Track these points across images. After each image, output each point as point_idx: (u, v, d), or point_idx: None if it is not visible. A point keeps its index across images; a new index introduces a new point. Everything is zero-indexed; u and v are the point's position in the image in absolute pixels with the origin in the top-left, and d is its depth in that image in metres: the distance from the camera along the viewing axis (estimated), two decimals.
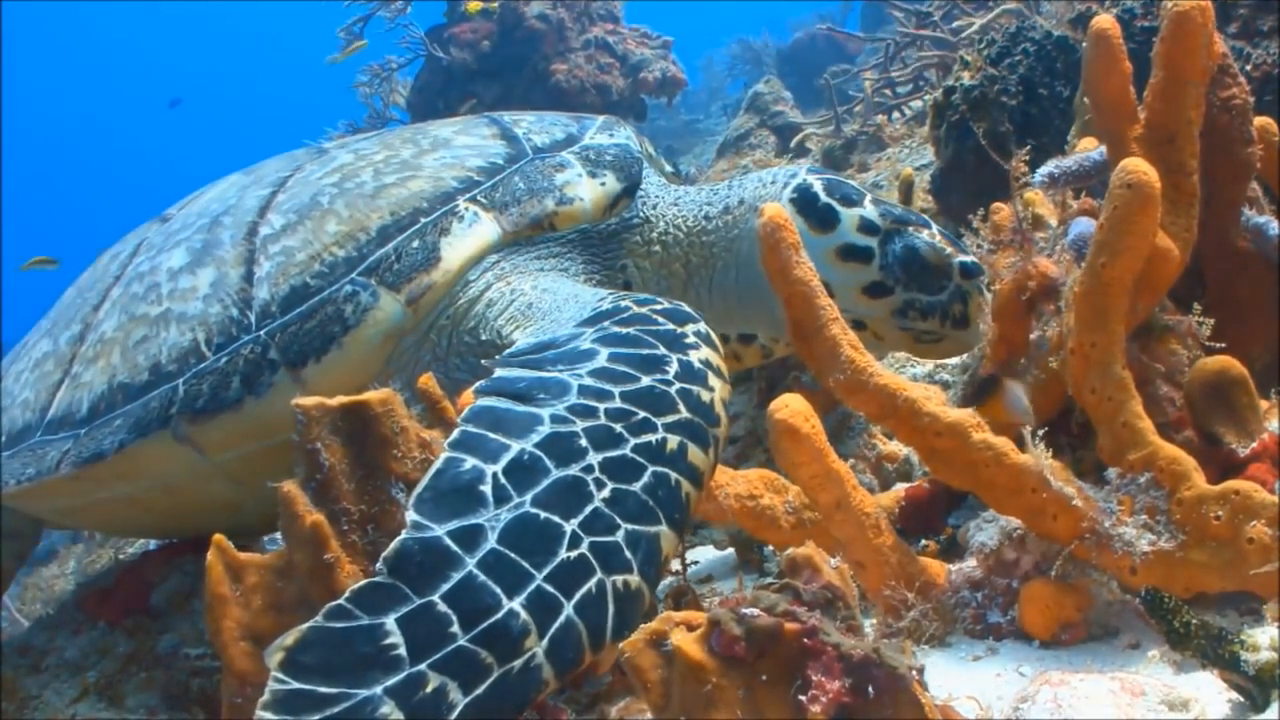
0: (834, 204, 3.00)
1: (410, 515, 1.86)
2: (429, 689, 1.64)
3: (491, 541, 1.83)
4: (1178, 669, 1.90)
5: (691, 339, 2.33)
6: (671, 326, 2.37)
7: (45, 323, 3.57)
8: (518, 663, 1.71)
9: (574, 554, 1.85)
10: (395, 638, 1.68)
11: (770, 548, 2.87)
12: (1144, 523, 2.01)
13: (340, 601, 1.72)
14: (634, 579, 1.88)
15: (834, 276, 2.93)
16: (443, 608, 1.73)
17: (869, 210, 2.98)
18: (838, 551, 2.08)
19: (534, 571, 1.80)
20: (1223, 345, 2.29)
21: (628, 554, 1.89)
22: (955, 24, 6.76)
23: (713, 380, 2.25)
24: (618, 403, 2.13)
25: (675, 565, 2.83)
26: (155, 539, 4.10)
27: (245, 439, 2.82)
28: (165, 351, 2.92)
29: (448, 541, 1.82)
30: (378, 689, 1.62)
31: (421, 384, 2.33)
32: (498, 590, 1.76)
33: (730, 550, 3.11)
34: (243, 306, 2.88)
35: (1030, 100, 4.30)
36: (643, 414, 2.12)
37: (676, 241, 3.23)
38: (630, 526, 1.93)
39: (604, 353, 2.28)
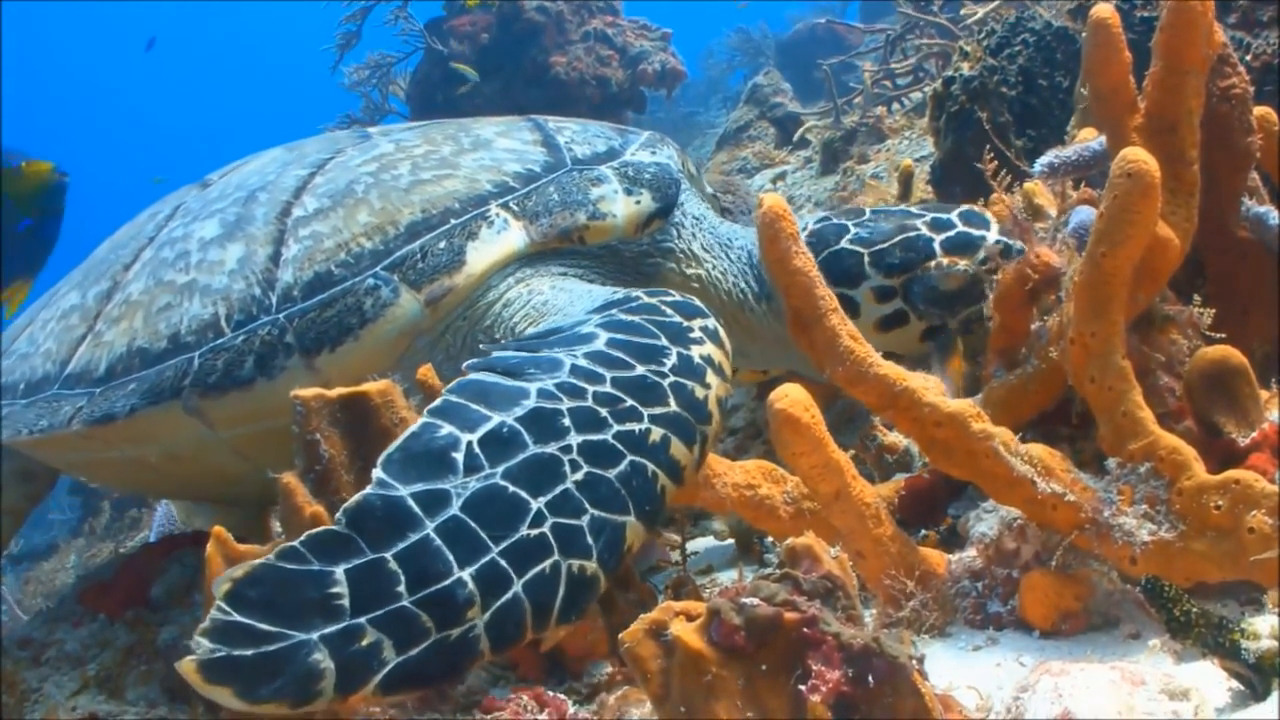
0: (845, 291, 3.01)
1: (376, 473, 1.88)
2: (364, 643, 1.67)
3: (455, 508, 1.85)
4: (1178, 659, 1.90)
5: (696, 333, 2.34)
6: (678, 319, 2.38)
7: (77, 274, 3.59)
8: (456, 631, 1.74)
9: (535, 532, 1.87)
10: (341, 588, 1.71)
11: (770, 538, 2.87)
12: (1144, 512, 2.00)
13: (294, 544, 1.75)
14: (591, 565, 1.90)
15: (885, 345, 2.93)
16: (393, 566, 1.76)
17: (874, 278, 3.02)
18: (837, 541, 2.07)
19: (491, 544, 1.83)
20: (1223, 335, 2.29)
21: (589, 539, 1.91)
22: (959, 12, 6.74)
23: (710, 377, 2.25)
24: (608, 387, 2.14)
25: (675, 556, 2.84)
26: (160, 498, 4.14)
27: (253, 417, 2.83)
28: (186, 322, 2.94)
29: (410, 503, 1.84)
30: (314, 635, 1.65)
31: (421, 375, 2.34)
32: (450, 558, 1.79)
33: (730, 541, 3.11)
34: (266, 287, 2.89)
35: (1030, 91, 4.29)
36: (630, 402, 2.13)
37: (717, 295, 3.21)
38: (597, 513, 1.94)
39: (604, 337, 2.29)
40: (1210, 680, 1.76)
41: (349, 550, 1.76)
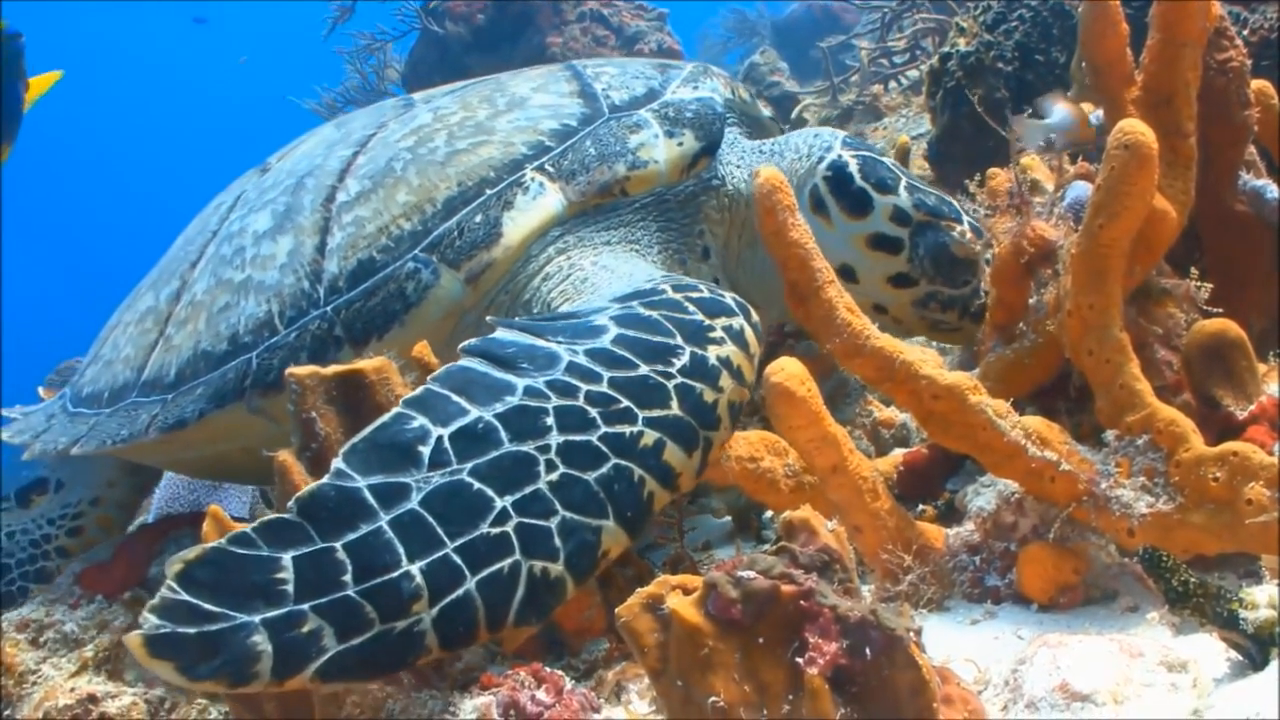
0: (868, 189, 2.94)
1: (336, 463, 1.86)
2: (304, 629, 1.67)
3: (413, 503, 1.83)
4: (1176, 631, 1.90)
5: (718, 333, 2.25)
6: (700, 317, 2.29)
7: (155, 271, 3.65)
8: (400, 624, 1.73)
9: (496, 530, 1.84)
10: (286, 574, 1.71)
11: (768, 514, 2.87)
12: (1142, 484, 2.00)
13: (246, 529, 1.75)
14: (556, 568, 1.86)
15: (861, 263, 2.91)
16: (341, 556, 1.75)
17: (903, 199, 2.93)
18: (835, 515, 2.07)
19: (446, 540, 1.81)
20: (1220, 309, 2.28)
21: (557, 541, 1.87)
22: None
23: (724, 380, 2.17)
24: (603, 387, 2.08)
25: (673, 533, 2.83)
26: (238, 483, 4.26)
27: None
28: (243, 322, 2.97)
29: (366, 494, 1.83)
30: (256, 617, 1.66)
31: (416, 352, 2.33)
32: (400, 551, 1.77)
33: (728, 518, 3.11)
34: (313, 280, 2.90)
35: (1026, 66, 4.28)
36: (626, 403, 2.06)
37: (741, 203, 3.13)
38: (568, 514, 1.90)
39: (613, 333, 2.22)
40: (1209, 652, 1.75)
41: (299, 538, 1.76)
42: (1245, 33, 3.38)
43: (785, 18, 13.84)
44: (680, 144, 2.95)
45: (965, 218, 2.91)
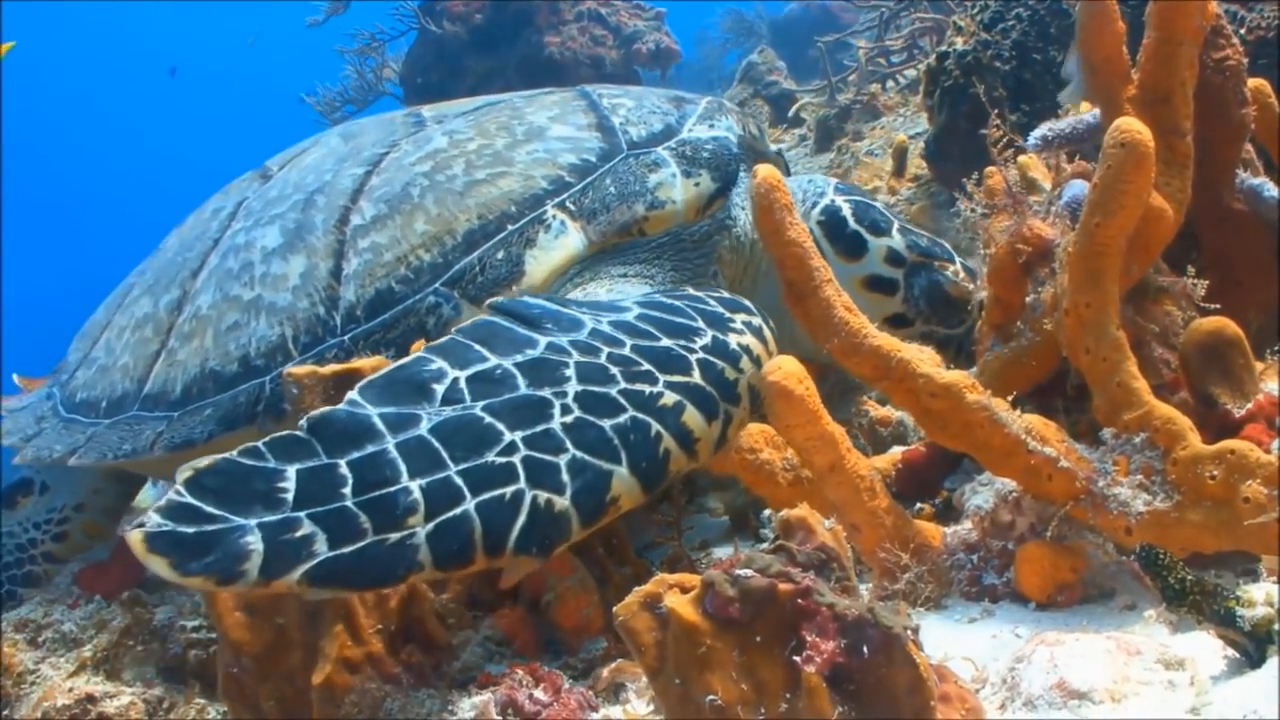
0: (862, 232, 3.04)
1: (351, 394, 1.90)
2: (297, 534, 1.68)
3: (421, 430, 1.85)
4: (1174, 629, 1.90)
5: (738, 325, 2.30)
6: (721, 310, 2.35)
7: (149, 273, 3.61)
8: (394, 536, 1.73)
9: (501, 460, 1.85)
10: (288, 483, 1.74)
11: (766, 513, 2.87)
12: (1139, 483, 2.00)
13: (257, 444, 1.78)
14: (561, 501, 1.85)
15: (857, 305, 2.94)
16: (344, 470, 1.77)
17: (896, 241, 3.03)
18: (832, 514, 2.07)
19: (450, 463, 1.82)
20: (1217, 306, 2.28)
21: (564, 476, 1.87)
22: None
23: (745, 363, 2.21)
24: (626, 351, 2.11)
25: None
26: None
27: None
28: (254, 343, 2.97)
29: (376, 420, 1.85)
30: (252, 520, 1.68)
31: (415, 350, 2.33)
32: (402, 468, 1.79)
33: (725, 518, 3.11)
34: (329, 305, 2.90)
35: (1024, 65, 4.29)
36: (647, 366, 2.09)
37: (745, 251, 3.17)
38: (579, 454, 1.90)
39: (636, 311, 2.26)
40: (1206, 650, 1.75)
41: (306, 453, 1.79)
42: (1242, 31, 3.38)
43: (783, 17, 13.85)
44: (697, 184, 2.97)
45: (957, 258, 2.97)
